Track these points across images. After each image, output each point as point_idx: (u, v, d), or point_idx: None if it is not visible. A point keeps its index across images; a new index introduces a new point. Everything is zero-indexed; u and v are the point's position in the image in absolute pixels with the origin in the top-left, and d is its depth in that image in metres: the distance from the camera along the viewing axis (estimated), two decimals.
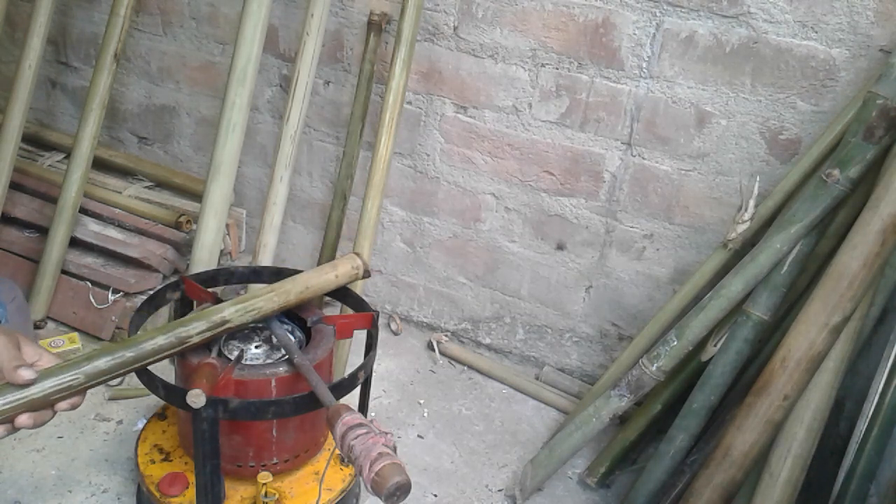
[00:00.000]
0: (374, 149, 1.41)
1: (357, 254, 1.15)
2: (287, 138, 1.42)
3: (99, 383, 0.84)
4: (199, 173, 1.78)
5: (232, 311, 0.96)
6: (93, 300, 1.51)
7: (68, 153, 1.57)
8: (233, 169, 1.35)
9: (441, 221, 1.61)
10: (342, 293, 1.18)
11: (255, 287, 1.30)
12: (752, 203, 1.23)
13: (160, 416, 1.19)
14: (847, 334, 1.05)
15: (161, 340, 0.90)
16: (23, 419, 0.78)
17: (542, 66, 1.39)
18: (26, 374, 0.77)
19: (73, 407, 0.82)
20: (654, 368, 1.17)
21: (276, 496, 1.01)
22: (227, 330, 0.96)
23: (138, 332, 0.95)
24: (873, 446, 1.03)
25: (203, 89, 1.73)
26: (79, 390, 0.82)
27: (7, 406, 0.77)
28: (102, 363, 0.84)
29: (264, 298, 1.00)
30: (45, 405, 0.79)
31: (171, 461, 1.10)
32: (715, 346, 1.21)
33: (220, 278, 1.19)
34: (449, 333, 1.70)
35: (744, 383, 1.21)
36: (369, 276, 1.14)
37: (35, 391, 0.78)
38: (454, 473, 1.34)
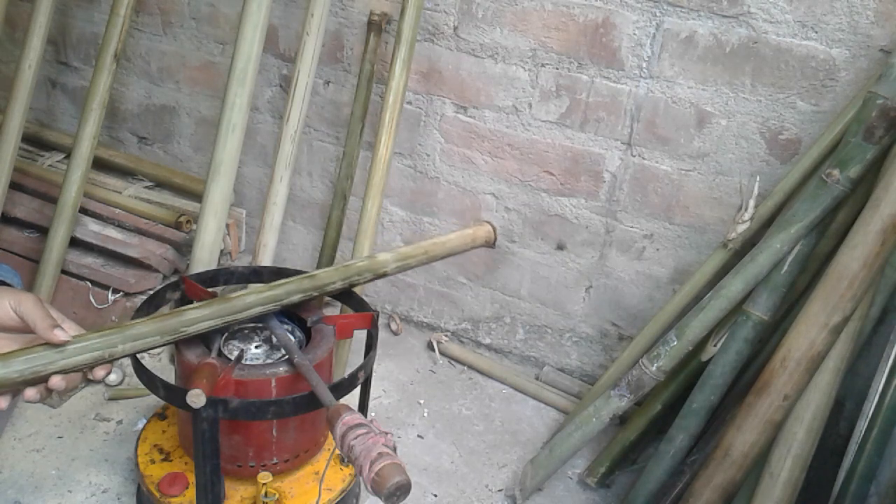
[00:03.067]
0: (374, 149, 1.41)
1: (489, 222, 1.29)
2: (287, 138, 1.42)
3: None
4: (199, 173, 1.78)
5: (392, 265, 1.13)
6: (93, 300, 1.51)
7: (68, 153, 1.57)
8: (233, 169, 1.35)
9: (441, 221, 1.61)
10: (343, 293, 1.18)
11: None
12: (752, 203, 1.23)
13: (160, 416, 1.19)
14: (847, 334, 1.05)
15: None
16: (56, 380, 0.79)
17: (542, 66, 1.39)
18: (62, 335, 0.79)
19: (108, 373, 0.85)
20: (654, 368, 1.17)
21: (276, 496, 1.01)
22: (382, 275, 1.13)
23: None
24: (873, 446, 1.03)
25: (203, 89, 1.73)
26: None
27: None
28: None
29: (416, 258, 1.16)
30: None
31: (171, 461, 1.10)
32: (715, 346, 1.21)
33: (220, 278, 1.19)
34: (449, 333, 1.70)
35: (744, 383, 1.21)
36: (494, 245, 1.29)
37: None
38: (454, 473, 1.34)
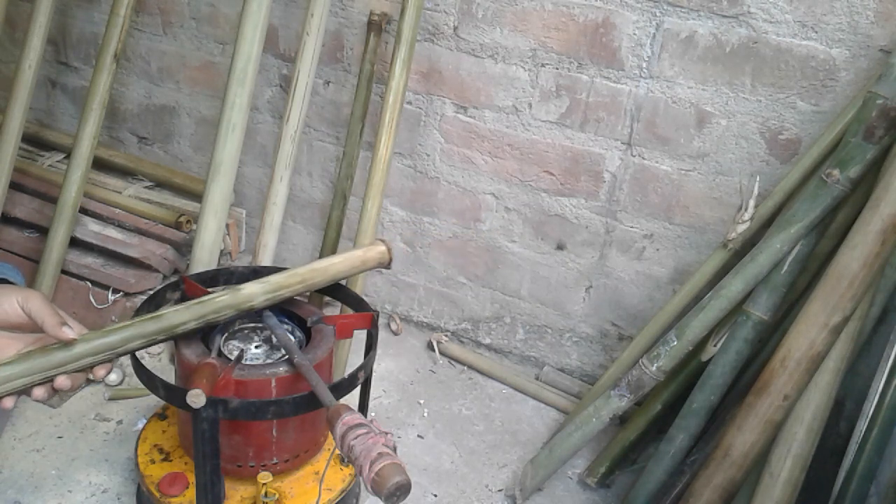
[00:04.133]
0: (374, 149, 1.41)
1: (383, 240, 1.15)
2: (287, 138, 1.42)
3: (146, 345, 0.89)
4: (199, 173, 1.78)
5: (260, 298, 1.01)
6: (93, 300, 1.51)
7: (68, 153, 1.57)
8: (233, 169, 1.35)
9: (441, 221, 1.61)
10: (342, 293, 1.18)
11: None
12: (752, 203, 1.23)
13: (160, 416, 1.19)
14: (847, 334, 1.05)
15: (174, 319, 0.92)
16: (61, 380, 0.80)
17: (542, 66, 1.39)
18: (70, 333, 0.80)
19: (108, 372, 0.87)
20: (654, 368, 1.17)
21: (276, 496, 1.01)
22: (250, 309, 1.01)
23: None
24: (873, 446, 1.03)
25: (203, 89, 1.73)
26: (123, 353, 0.87)
27: (57, 367, 0.80)
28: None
29: (291, 288, 1.03)
30: (84, 367, 0.83)
31: (171, 461, 1.10)
32: (715, 346, 1.21)
33: (220, 278, 1.19)
34: (449, 333, 1.70)
35: (744, 383, 1.21)
36: (389, 267, 1.16)
37: (82, 351, 0.82)
38: (454, 473, 1.34)
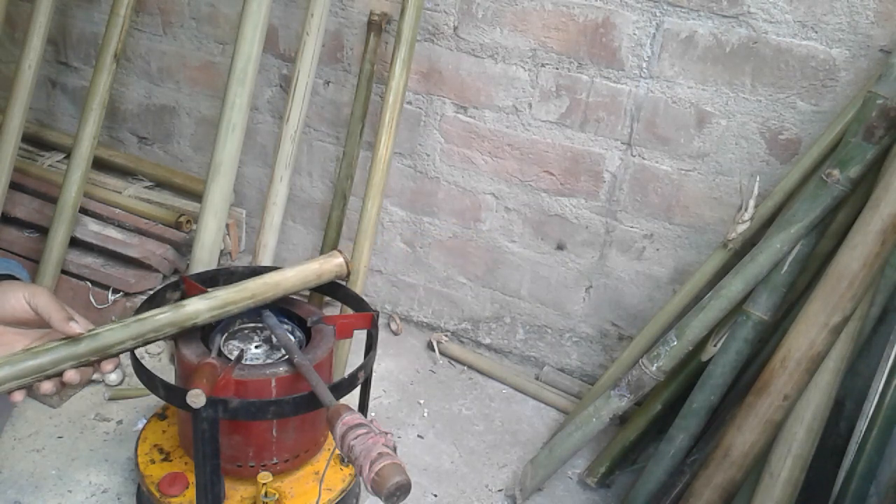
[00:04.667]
0: (374, 149, 1.41)
1: (341, 252, 1.10)
2: (287, 138, 1.42)
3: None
4: (199, 173, 1.78)
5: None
6: (93, 300, 1.51)
7: (68, 153, 1.57)
8: (233, 169, 1.35)
9: (441, 221, 1.61)
10: (342, 293, 1.18)
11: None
12: (752, 203, 1.23)
13: (160, 416, 1.19)
14: (847, 334, 1.05)
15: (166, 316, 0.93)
16: (71, 374, 0.81)
17: (542, 66, 1.39)
18: (77, 328, 0.80)
19: (115, 366, 0.87)
20: (654, 368, 1.17)
21: (276, 496, 1.01)
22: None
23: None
24: (873, 446, 1.03)
25: (203, 89, 1.73)
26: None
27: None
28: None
29: (239, 304, 0.99)
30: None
31: (171, 461, 1.10)
32: (715, 346, 1.21)
33: (220, 278, 1.19)
34: (449, 333, 1.70)
35: (744, 383, 1.21)
36: (347, 279, 1.13)
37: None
38: (454, 473, 1.34)
